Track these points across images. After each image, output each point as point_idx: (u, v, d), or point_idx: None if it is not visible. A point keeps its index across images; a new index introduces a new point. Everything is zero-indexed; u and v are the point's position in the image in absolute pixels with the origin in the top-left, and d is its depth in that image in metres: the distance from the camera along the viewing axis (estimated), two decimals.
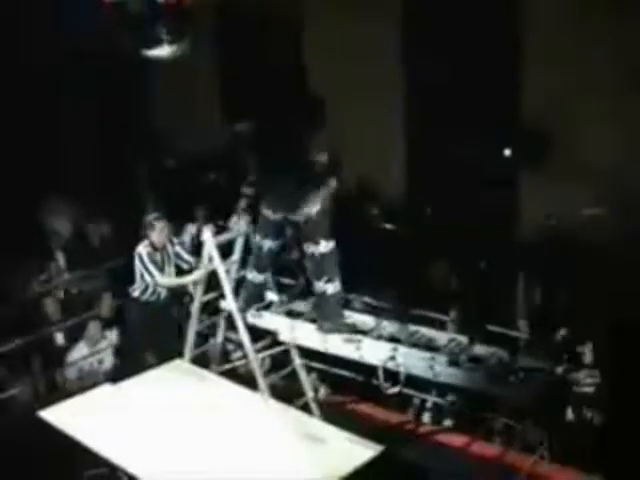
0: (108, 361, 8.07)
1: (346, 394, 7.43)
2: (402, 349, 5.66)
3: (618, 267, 7.22)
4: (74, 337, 8.14)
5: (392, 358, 5.62)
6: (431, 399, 7.17)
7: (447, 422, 7.22)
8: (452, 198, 8.93)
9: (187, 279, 7.09)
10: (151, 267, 7.10)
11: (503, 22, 8.60)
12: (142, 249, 7.14)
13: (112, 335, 8.22)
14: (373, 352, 5.77)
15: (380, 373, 5.68)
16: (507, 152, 8.71)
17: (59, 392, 7.46)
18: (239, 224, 6.49)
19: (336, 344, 5.90)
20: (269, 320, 6.33)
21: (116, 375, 7.23)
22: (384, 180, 9.32)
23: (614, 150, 7.78)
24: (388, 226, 8.87)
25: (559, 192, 7.95)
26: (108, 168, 10.41)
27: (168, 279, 7.22)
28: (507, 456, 6.52)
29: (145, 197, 9.87)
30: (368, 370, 6.13)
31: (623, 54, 7.61)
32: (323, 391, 7.40)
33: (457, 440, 6.82)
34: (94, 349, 8.00)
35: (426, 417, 7.28)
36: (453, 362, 5.47)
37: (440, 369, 5.50)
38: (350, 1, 9.23)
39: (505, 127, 8.67)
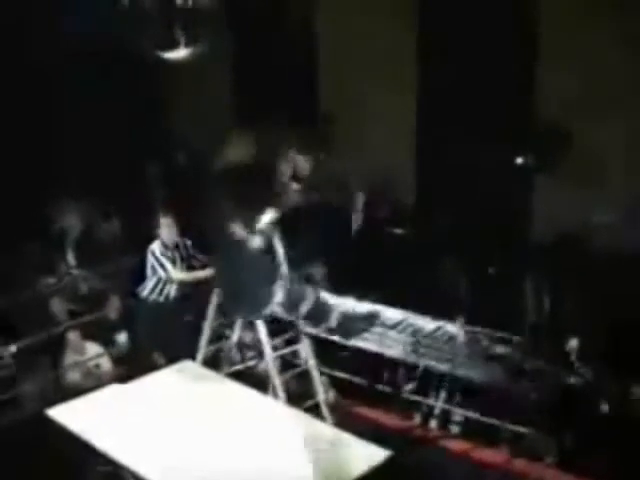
0: (106, 364, 8.03)
1: (354, 399, 7.42)
2: (424, 341, 5.70)
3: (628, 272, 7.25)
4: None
5: (414, 351, 5.66)
6: (439, 405, 7.15)
7: (454, 428, 7.20)
8: (462, 200, 8.94)
9: (202, 273, 7.08)
10: (164, 261, 7.10)
11: (518, 23, 8.60)
12: (155, 246, 7.16)
13: (120, 336, 8.22)
14: (396, 345, 5.80)
15: (400, 371, 5.71)
16: (519, 156, 8.70)
17: (66, 391, 7.45)
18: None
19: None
20: None
21: (122, 376, 7.23)
22: (395, 183, 9.32)
23: (627, 154, 7.79)
24: (398, 230, 8.88)
25: (571, 196, 7.97)
26: (119, 165, 10.38)
27: (182, 274, 7.24)
28: (514, 463, 6.53)
29: (155, 194, 9.87)
30: (378, 374, 6.16)
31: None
32: (332, 395, 7.37)
33: (464, 446, 6.83)
34: (81, 357, 7.94)
35: (433, 423, 7.25)
36: (473, 358, 5.52)
37: (460, 363, 5.54)
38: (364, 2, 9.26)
39: (518, 129, 8.67)
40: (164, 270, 7.14)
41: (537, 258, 8.23)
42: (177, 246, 7.29)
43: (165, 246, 7.21)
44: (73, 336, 7.94)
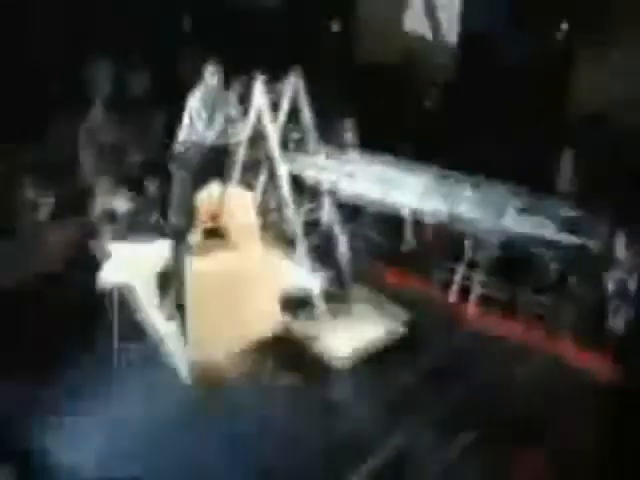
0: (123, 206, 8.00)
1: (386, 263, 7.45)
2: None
3: None
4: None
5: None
6: (460, 273, 7.20)
7: (474, 297, 7.25)
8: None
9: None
10: (202, 110, 6.75)
11: None
12: (194, 98, 6.74)
13: (150, 185, 8.27)
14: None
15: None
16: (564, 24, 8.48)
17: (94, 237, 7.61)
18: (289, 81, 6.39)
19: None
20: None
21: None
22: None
23: None
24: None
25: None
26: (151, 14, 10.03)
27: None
28: (532, 334, 6.64)
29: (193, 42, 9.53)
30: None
31: None
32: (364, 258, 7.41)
33: (482, 316, 6.94)
34: (110, 202, 7.95)
35: (453, 292, 7.29)
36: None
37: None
38: None
39: None
40: (200, 119, 6.84)
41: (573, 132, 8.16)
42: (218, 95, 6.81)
43: (205, 99, 6.76)
44: (103, 185, 8.05)
